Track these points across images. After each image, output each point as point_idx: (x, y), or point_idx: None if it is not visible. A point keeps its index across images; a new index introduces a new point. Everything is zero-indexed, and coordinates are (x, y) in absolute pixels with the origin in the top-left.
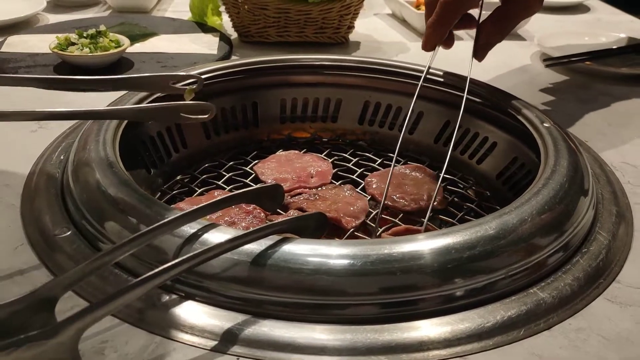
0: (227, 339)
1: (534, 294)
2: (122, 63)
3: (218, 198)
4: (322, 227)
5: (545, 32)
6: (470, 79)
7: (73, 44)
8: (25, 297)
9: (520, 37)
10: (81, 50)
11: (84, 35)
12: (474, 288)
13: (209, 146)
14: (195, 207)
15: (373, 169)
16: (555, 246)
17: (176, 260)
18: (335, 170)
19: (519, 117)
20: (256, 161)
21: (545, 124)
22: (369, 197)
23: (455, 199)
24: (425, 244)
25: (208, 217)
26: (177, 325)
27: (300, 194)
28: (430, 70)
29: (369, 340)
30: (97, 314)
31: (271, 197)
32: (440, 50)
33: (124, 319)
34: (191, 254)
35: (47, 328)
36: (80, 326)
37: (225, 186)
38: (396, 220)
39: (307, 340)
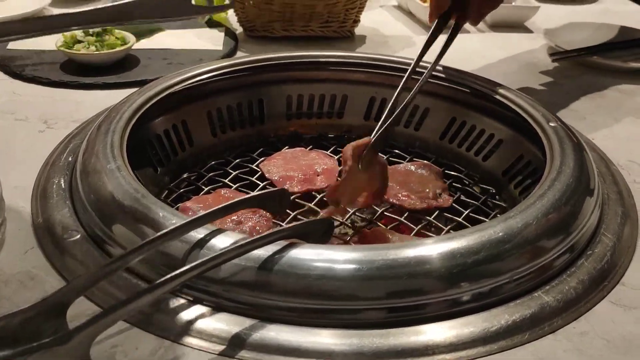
0: (235, 343)
1: (539, 298)
2: (128, 60)
3: (224, 204)
4: (329, 232)
5: (553, 23)
6: (477, 75)
7: (79, 41)
8: (37, 305)
9: (527, 30)
10: (87, 48)
11: (90, 32)
12: (479, 292)
13: (215, 144)
14: (202, 213)
15: None
16: (560, 249)
17: (184, 268)
18: (341, 167)
19: (525, 116)
20: (262, 158)
21: (551, 123)
22: None
23: (461, 197)
24: (431, 249)
25: None
26: (186, 330)
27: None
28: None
29: (375, 345)
30: (108, 321)
31: (277, 202)
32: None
33: (134, 323)
34: (199, 261)
35: (60, 335)
36: (92, 332)
37: (232, 184)
38: (402, 219)
39: (314, 345)
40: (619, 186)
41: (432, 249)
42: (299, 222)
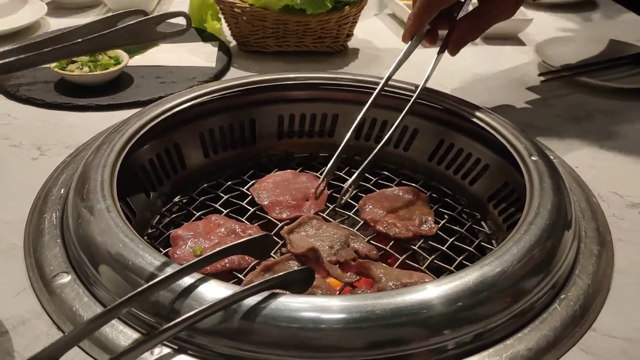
0: None
1: (511, 346)
2: (122, 79)
3: (211, 253)
4: (310, 280)
5: (546, 34)
6: (465, 100)
7: (73, 61)
8: None
9: (520, 42)
10: (81, 69)
11: None
12: (461, 341)
13: (207, 165)
14: (189, 262)
15: (367, 189)
16: (533, 296)
17: (179, 319)
18: (331, 191)
19: (508, 147)
20: (253, 181)
21: (533, 157)
22: (362, 222)
23: (447, 224)
24: (409, 299)
25: (209, 244)
26: None
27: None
28: (426, 87)
29: None
30: None
31: (261, 246)
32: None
33: None
34: (191, 312)
35: None
36: None
37: (223, 209)
38: (387, 248)
39: None
40: (597, 222)
41: (410, 299)
42: (280, 274)
